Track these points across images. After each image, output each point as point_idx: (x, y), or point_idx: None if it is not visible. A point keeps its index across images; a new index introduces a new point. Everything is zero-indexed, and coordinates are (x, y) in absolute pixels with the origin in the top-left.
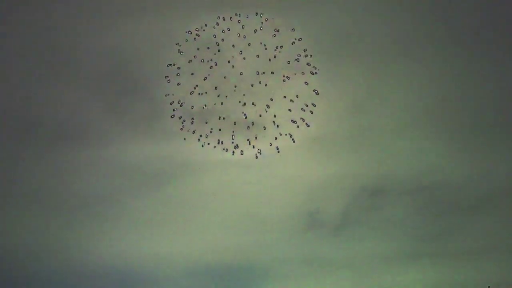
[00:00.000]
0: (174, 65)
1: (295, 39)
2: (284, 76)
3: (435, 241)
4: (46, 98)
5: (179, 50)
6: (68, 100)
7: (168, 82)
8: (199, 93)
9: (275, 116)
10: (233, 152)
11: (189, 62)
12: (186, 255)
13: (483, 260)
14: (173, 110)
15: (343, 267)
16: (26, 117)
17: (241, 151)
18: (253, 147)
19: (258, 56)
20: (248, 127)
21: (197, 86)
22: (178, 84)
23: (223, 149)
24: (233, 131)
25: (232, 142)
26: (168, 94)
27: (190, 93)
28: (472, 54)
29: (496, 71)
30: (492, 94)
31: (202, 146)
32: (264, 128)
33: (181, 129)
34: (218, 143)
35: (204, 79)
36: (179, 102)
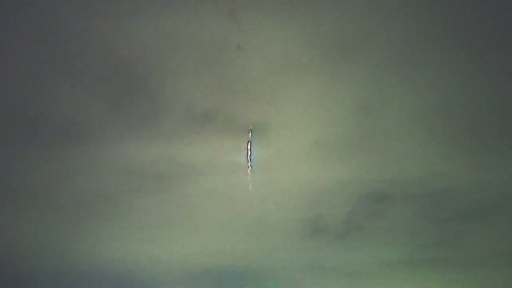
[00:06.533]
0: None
1: None
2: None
3: (438, 248)
4: (49, 97)
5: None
6: (71, 99)
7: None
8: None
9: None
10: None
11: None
12: (187, 258)
13: (485, 267)
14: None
15: (346, 274)
16: (28, 116)
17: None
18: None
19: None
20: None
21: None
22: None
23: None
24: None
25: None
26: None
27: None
28: (478, 60)
29: (505, 76)
30: (498, 101)
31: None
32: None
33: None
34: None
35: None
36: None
